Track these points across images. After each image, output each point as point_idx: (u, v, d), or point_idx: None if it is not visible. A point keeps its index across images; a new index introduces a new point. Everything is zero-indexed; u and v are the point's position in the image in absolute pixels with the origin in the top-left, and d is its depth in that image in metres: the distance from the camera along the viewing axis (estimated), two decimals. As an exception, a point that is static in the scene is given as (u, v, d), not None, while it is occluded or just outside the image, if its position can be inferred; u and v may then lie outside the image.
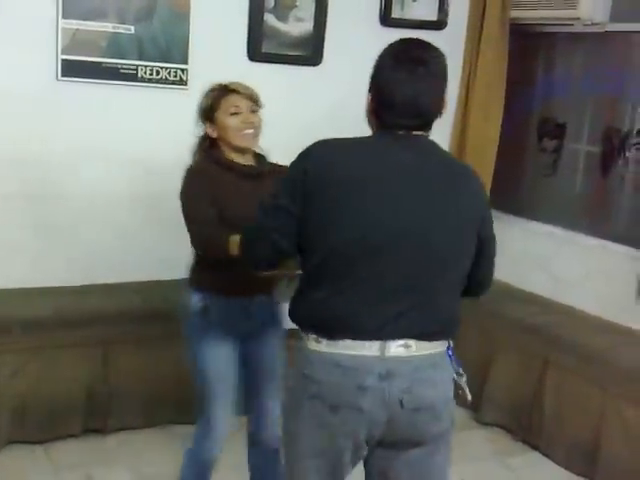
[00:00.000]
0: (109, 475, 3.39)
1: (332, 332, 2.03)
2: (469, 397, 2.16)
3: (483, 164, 4.51)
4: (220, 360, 2.71)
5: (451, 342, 2.16)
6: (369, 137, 2.13)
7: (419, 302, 2.02)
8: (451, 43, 4.50)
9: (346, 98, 4.31)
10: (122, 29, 3.81)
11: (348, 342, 2.01)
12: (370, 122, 2.16)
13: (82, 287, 3.84)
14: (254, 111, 2.70)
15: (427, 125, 2.09)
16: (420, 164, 2.05)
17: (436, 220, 2.01)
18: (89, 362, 3.59)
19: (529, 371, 3.85)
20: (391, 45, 2.12)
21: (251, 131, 2.67)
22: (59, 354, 3.54)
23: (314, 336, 2.06)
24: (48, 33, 3.68)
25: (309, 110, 4.16)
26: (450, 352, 2.14)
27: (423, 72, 2.03)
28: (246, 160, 2.72)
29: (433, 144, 2.11)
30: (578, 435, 3.63)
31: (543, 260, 4.35)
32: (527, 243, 4.48)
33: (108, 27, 3.78)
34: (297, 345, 2.15)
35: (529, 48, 4.56)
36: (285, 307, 2.20)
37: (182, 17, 3.90)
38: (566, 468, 3.67)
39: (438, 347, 2.09)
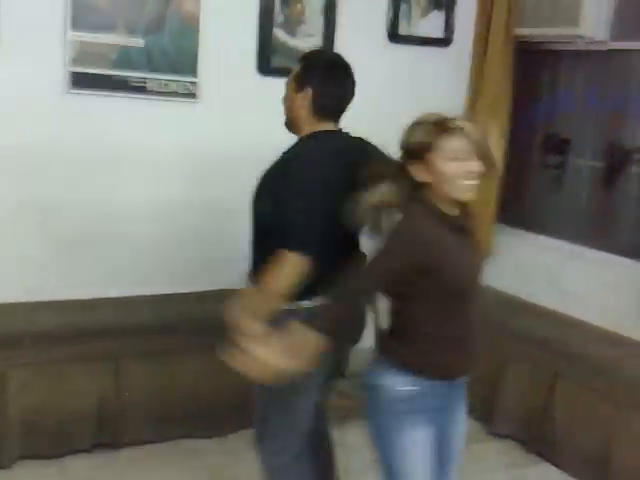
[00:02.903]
0: (121, 490, 3.35)
1: None
2: None
3: (490, 178, 4.55)
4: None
5: None
6: None
7: None
8: (457, 59, 4.60)
9: (354, 112, 4.34)
10: (132, 42, 3.80)
11: None
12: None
13: (93, 300, 3.80)
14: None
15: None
16: None
17: None
18: (100, 376, 3.54)
19: (539, 383, 3.87)
20: None
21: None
22: (69, 368, 3.49)
23: None
24: (57, 45, 3.66)
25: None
26: None
27: None
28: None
29: None
30: (589, 446, 3.64)
31: (551, 273, 4.39)
32: (535, 256, 4.52)
33: (117, 39, 3.76)
34: None
35: (534, 65, 4.62)
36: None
37: (192, 30, 3.90)
38: (577, 479, 3.68)
39: None
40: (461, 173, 2.19)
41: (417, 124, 2.26)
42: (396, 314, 2.28)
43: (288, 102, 2.67)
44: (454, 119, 2.22)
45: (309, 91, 2.59)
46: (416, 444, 2.31)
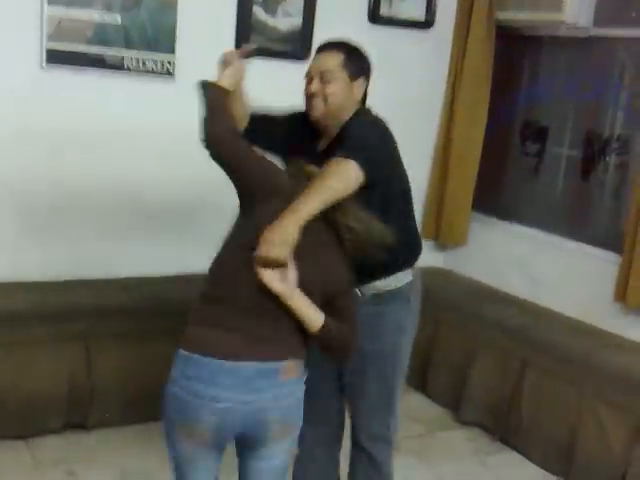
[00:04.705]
0: (90, 471, 3.37)
1: None
2: None
3: (467, 165, 4.56)
4: None
5: None
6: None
7: None
8: (438, 43, 4.56)
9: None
10: (108, 18, 3.74)
11: None
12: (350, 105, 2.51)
13: (64, 282, 3.79)
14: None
15: None
16: None
17: None
18: (71, 357, 3.55)
19: (508, 372, 3.91)
20: None
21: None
22: (40, 349, 3.49)
23: None
24: (33, 20, 3.59)
25: (295, 105, 4.14)
26: None
27: None
28: None
29: None
30: (554, 435, 3.70)
31: (523, 262, 4.41)
32: (508, 245, 4.54)
33: (94, 15, 3.71)
34: None
35: (514, 50, 4.59)
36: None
37: (169, 7, 3.85)
38: (542, 467, 3.74)
39: None
40: None
41: None
42: None
43: (338, 90, 2.49)
44: None
45: (363, 81, 2.56)
46: None
